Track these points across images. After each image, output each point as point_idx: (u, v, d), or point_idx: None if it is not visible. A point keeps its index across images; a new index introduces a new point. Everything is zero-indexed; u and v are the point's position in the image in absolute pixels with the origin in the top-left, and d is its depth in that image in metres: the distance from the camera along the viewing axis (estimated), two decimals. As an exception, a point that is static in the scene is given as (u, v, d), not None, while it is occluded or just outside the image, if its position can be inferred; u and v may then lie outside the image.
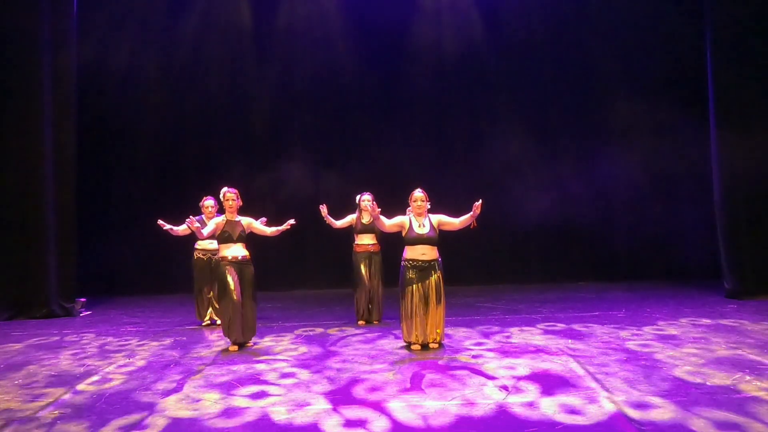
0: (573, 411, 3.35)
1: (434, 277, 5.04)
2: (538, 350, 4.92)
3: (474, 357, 4.74)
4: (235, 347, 5.24)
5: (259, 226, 5.54)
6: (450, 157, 10.47)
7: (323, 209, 6.33)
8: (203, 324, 6.57)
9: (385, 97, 10.44)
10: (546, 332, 5.72)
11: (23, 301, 7.45)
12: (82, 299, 7.99)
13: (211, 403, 3.66)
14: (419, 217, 5.11)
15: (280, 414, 3.42)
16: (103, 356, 5.09)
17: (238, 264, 5.30)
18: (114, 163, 10.00)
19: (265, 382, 4.11)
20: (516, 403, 3.52)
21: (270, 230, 5.59)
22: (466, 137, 10.48)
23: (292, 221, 5.56)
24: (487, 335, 5.64)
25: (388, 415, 3.37)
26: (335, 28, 10.23)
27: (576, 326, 5.98)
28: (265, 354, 5.04)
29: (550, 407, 3.42)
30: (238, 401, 3.68)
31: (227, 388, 3.99)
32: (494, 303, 7.89)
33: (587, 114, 10.52)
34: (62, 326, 6.77)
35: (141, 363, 4.78)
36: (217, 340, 5.71)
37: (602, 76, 10.43)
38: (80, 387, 4.10)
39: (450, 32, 10.33)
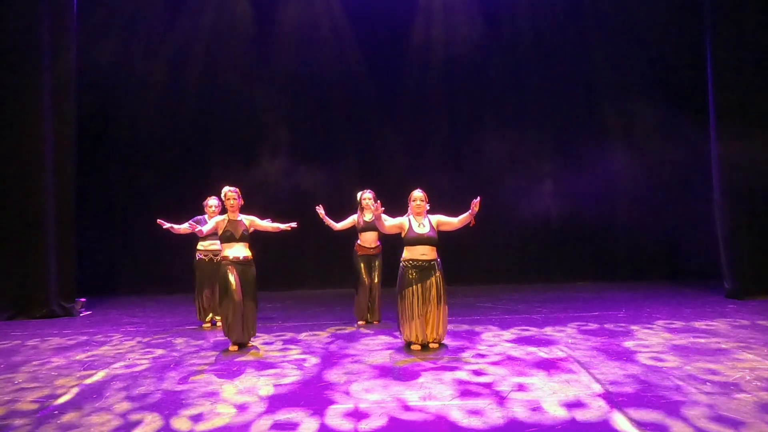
0: (572, 411, 3.35)
1: (434, 278, 5.04)
2: (538, 350, 4.91)
3: (474, 357, 4.73)
4: (235, 347, 5.24)
5: (261, 222, 5.52)
6: (450, 156, 10.48)
7: (320, 210, 6.32)
8: (203, 324, 6.57)
9: (385, 96, 10.45)
10: (545, 332, 5.72)
11: (23, 301, 7.45)
12: (82, 299, 7.99)
13: (210, 402, 3.66)
14: (418, 217, 5.12)
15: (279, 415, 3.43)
16: (103, 356, 5.08)
17: (239, 264, 5.30)
18: (114, 163, 10.00)
19: (262, 381, 4.12)
20: (515, 403, 3.52)
21: (271, 226, 5.57)
22: (466, 136, 10.49)
23: (293, 224, 5.54)
24: (487, 335, 5.64)
25: (386, 415, 3.37)
26: (335, 27, 10.26)
27: (576, 326, 5.99)
28: (264, 354, 5.04)
29: (549, 407, 3.42)
30: (238, 400, 3.69)
31: (226, 387, 3.99)
32: (494, 303, 7.90)
33: (587, 114, 10.54)
34: (62, 326, 6.77)
35: (140, 363, 4.78)
36: (218, 340, 5.71)
37: (602, 76, 10.45)
38: (79, 387, 4.10)
39: (450, 31, 10.36)
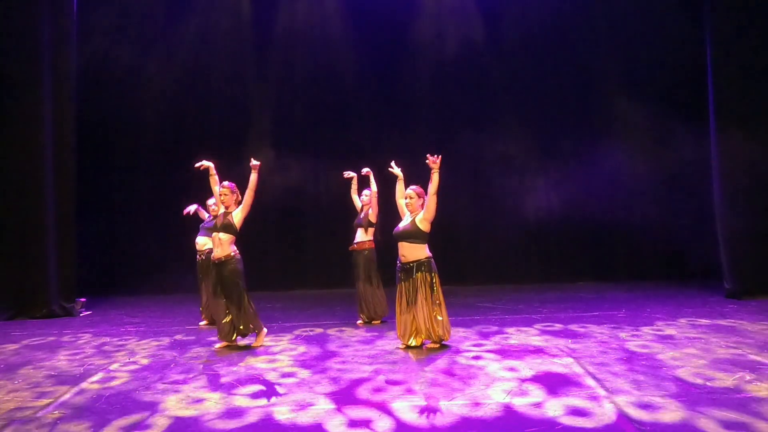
0: (574, 411, 3.34)
1: (417, 278, 4.95)
2: (538, 350, 4.91)
3: (473, 358, 4.73)
4: (223, 344, 5.27)
5: (245, 202, 5.35)
6: (449, 156, 10.40)
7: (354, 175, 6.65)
8: (200, 324, 6.60)
9: (384, 95, 10.43)
10: (546, 332, 5.71)
11: (23, 301, 7.45)
12: (82, 299, 7.98)
13: (212, 403, 3.66)
14: (412, 214, 5.14)
15: (281, 414, 3.42)
16: (103, 356, 5.08)
17: (216, 265, 5.26)
18: (114, 163, 9.99)
19: (261, 383, 4.11)
20: (516, 403, 3.51)
21: (248, 195, 5.35)
22: (466, 136, 10.46)
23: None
24: (486, 335, 5.64)
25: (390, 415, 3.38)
26: (335, 26, 10.26)
27: (576, 326, 5.98)
28: (262, 353, 5.03)
29: (550, 407, 3.41)
30: (239, 401, 3.68)
31: (227, 387, 3.99)
32: (494, 303, 7.89)
33: (587, 114, 10.52)
34: (62, 326, 6.77)
35: (141, 363, 4.78)
36: (209, 340, 5.70)
37: (603, 77, 10.43)
38: (80, 387, 4.09)
39: (450, 31, 10.34)
